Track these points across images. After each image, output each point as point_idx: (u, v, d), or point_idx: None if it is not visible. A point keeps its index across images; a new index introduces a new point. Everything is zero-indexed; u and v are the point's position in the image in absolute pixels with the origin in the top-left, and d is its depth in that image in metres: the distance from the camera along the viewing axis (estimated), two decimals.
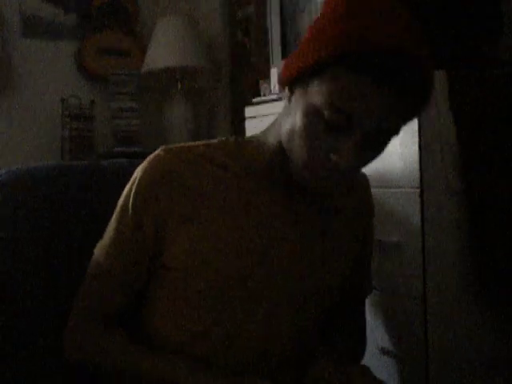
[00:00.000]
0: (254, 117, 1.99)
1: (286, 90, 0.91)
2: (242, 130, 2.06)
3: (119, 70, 2.85)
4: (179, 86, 2.89)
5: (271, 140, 0.95)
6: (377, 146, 0.88)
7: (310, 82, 0.85)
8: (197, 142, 0.99)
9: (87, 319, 0.98)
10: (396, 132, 0.86)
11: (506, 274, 1.36)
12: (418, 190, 1.33)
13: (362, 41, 0.78)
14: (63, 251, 1.08)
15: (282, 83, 0.91)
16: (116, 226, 0.96)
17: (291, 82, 0.89)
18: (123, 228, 0.95)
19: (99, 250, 0.98)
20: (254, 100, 2.14)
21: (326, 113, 0.83)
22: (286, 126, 0.90)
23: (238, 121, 2.74)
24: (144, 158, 0.97)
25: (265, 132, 0.98)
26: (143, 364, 0.92)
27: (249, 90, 2.73)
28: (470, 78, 1.37)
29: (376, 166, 1.46)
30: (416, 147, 1.33)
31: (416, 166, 1.33)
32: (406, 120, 0.87)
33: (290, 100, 0.90)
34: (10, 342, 1.04)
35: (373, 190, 1.47)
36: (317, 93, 0.83)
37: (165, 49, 2.76)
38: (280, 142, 0.92)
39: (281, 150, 0.92)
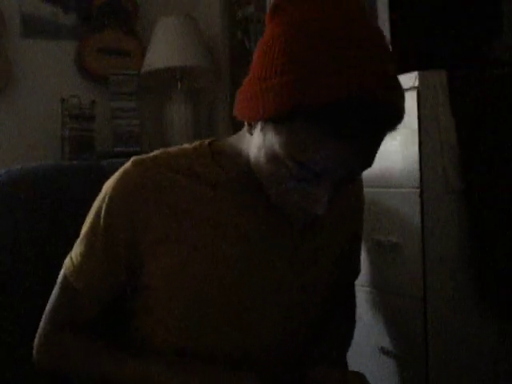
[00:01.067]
0: None
1: (245, 122, 0.84)
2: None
3: (119, 70, 2.85)
4: (179, 85, 2.88)
5: (244, 153, 0.89)
6: (352, 180, 0.83)
7: (266, 127, 0.78)
8: (169, 150, 0.94)
9: (60, 330, 0.96)
10: (369, 166, 0.80)
11: (506, 274, 1.36)
12: (418, 190, 1.33)
13: (322, 94, 0.70)
14: (63, 251, 1.08)
15: (238, 118, 0.84)
16: (86, 243, 0.92)
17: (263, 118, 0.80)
18: (94, 247, 0.91)
19: (70, 265, 0.94)
20: None
21: (289, 164, 0.76)
22: (252, 156, 0.85)
23: (238, 121, 2.73)
24: None
25: (237, 140, 0.92)
26: (120, 369, 0.91)
27: None
28: (470, 77, 1.37)
29: (376, 166, 1.46)
30: (416, 147, 1.33)
31: (416, 166, 1.33)
32: (376, 153, 0.80)
33: (250, 133, 0.83)
34: (10, 342, 1.04)
35: (373, 190, 1.47)
36: (276, 143, 0.77)
37: (165, 49, 2.76)
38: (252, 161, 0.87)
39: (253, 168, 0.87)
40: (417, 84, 1.32)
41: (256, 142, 0.82)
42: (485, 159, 1.36)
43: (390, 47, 1.47)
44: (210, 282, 0.90)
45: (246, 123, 0.84)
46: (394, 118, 0.76)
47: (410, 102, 1.34)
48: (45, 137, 2.83)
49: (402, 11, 1.47)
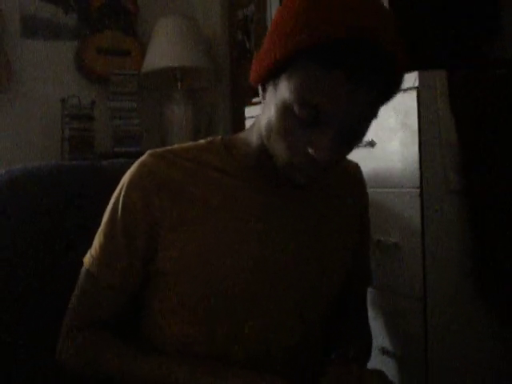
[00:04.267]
0: (254, 117, 1.99)
1: (259, 88, 0.90)
2: (242, 129, 2.05)
3: (119, 70, 2.85)
4: (179, 85, 2.89)
5: (255, 138, 0.94)
6: (355, 135, 0.86)
7: (279, 78, 0.84)
8: (183, 144, 0.98)
9: (82, 328, 0.97)
10: (374, 117, 0.85)
11: (506, 274, 1.36)
12: (418, 190, 1.33)
13: (323, 33, 0.77)
14: (63, 251, 1.09)
15: (254, 82, 0.91)
16: (106, 234, 0.95)
17: (263, 80, 0.88)
18: (114, 236, 0.93)
19: (90, 259, 0.96)
20: (254, 100, 2.14)
21: (296, 108, 0.81)
22: (263, 123, 0.89)
23: (238, 121, 2.74)
24: None
25: (249, 130, 0.98)
26: (143, 368, 0.90)
27: (249, 90, 2.73)
28: (470, 77, 1.37)
29: (376, 166, 1.46)
30: (416, 147, 1.33)
31: (416, 165, 1.33)
32: (380, 105, 0.85)
33: (264, 97, 0.89)
34: (10, 342, 1.04)
35: (373, 190, 1.47)
36: (286, 88, 0.82)
37: (165, 49, 2.76)
38: (262, 140, 0.92)
39: (264, 147, 0.91)
40: (417, 84, 1.32)
41: (268, 104, 0.87)
42: (485, 159, 1.36)
43: None
44: (225, 265, 0.91)
45: (260, 90, 0.90)
46: (393, 64, 0.81)
47: (410, 101, 1.34)
48: (45, 137, 2.83)
49: (402, 11, 1.47)
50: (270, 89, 0.87)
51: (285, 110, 0.83)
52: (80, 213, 1.11)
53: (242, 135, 0.99)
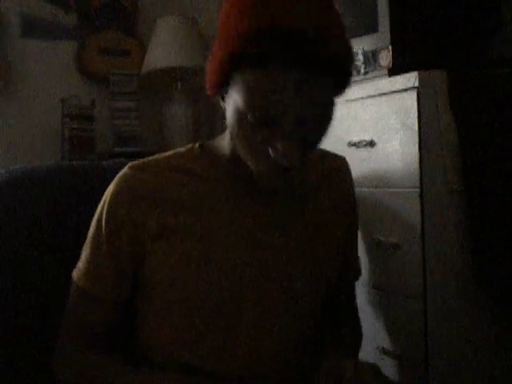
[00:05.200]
0: None
1: (219, 98, 0.90)
2: None
3: (119, 70, 2.85)
4: (179, 85, 2.89)
5: (227, 143, 0.95)
6: (315, 124, 0.83)
7: (231, 90, 0.84)
8: (162, 154, 0.99)
9: (74, 343, 0.97)
10: (330, 104, 0.83)
11: (506, 274, 1.36)
12: (418, 190, 1.33)
13: (247, 27, 0.76)
14: (63, 250, 1.08)
15: (211, 93, 0.90)
16: (91, 247, 0.95)
17: (217, 89, 0.87)
18: (99, 248, 0.94)
19: (77, 272, 0.97)
20: None
21: (249, 116, 0.80)
22: (228, 131, 0.89)
23: None
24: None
25: (221, 139, 0.98)
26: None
27: None
28: (470, 77, 1.37)
29: (376, 166, 1.46)
30: (416, 147, 1.33)
31: (416, 166, 1.33)
32: (332, 91, 0.82)
33: (224, 107, 0.88)
34: (10, 342, 1.04)
35: (373, 190, 1.47)
36: (236, 96, 0.82)
37: (165, 49, 2.76)
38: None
39: (237, 153, 0.90)
40: (417, 84, 1.32)
41: (228, 111, 0.86)
42: (485, 159, 1.36)
43: (390, 47, 1.47)
44: (212, 270, 0.91)
45: (220, 100, 0.89)
46: (327, 49, 0.77)
47: (410, 101, 1.34)
48: (45, 137, 2.83)
49: (402, 11, 1.47)
50: (226, 97, 0.86)
51: (240, 118, 0.82)
52: (80, 213, 1.11)
53: (218, 140, 0.99)
